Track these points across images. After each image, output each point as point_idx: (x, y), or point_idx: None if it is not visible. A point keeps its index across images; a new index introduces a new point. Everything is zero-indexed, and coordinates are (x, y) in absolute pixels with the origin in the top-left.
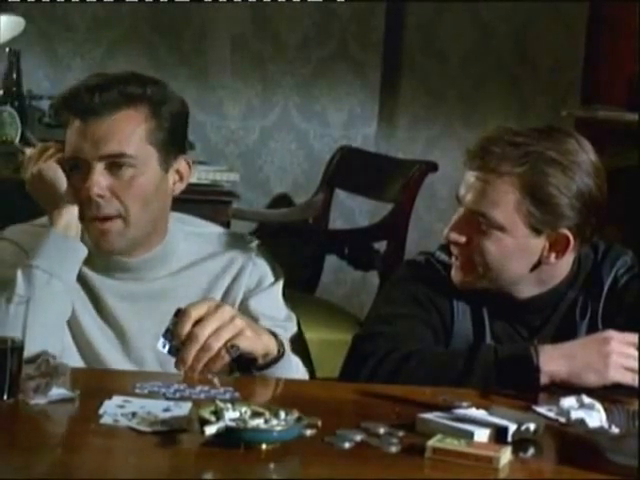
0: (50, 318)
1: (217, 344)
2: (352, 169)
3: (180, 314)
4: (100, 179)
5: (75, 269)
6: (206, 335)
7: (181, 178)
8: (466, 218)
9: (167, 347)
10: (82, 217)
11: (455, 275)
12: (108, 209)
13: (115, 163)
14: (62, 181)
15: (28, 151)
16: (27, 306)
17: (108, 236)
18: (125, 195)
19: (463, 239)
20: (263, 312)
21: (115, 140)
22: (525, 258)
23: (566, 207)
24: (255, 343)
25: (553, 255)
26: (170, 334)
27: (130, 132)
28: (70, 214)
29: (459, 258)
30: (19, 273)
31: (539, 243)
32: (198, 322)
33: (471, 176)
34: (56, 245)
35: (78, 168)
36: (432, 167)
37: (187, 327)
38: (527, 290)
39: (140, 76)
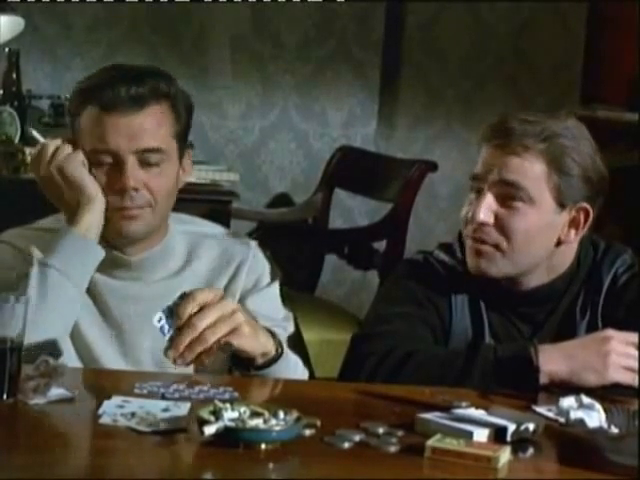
0: (57, 319)
1: (212, 338)
2: (352, 169)
3: (185, 296)
4: (136, 172)
5: (90, 273)
6: (204, 326)
7: (184, 171)
8: (490, 199)
9: (162, 322)
10: (107, 208)
11: (473, 261)
12: (140, 200)
13: (145, 157)
14: (88, 180)
15: (28, 150)
16: (26, 306)
17: (137, 220)
18: (155, 187)
19: (492, 219)
20: (261, 312)
21: (149, 135)
22: (548, 235)
23: (585, 180)
24: (252, 342)
25: (573, 232)
26: (169, 312)
27: (160, 127)
28: (93, 215)
29: (482, 242)
30: (34, 270)
31: (562, 218)
32: (198, 311)
33: (496, 148)
34: (74, 246)
35: (102, 163)
36: (432, 167)
37: (189, 309)
38: (535, 278)
39: (162, 72)
